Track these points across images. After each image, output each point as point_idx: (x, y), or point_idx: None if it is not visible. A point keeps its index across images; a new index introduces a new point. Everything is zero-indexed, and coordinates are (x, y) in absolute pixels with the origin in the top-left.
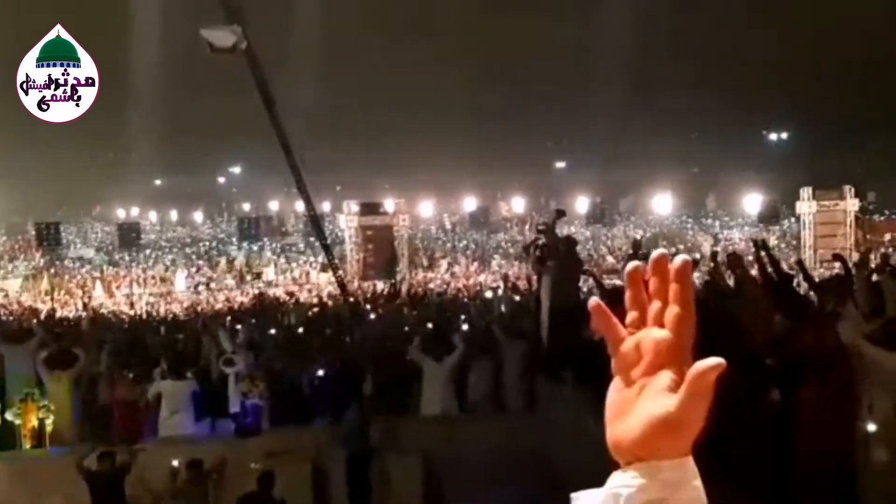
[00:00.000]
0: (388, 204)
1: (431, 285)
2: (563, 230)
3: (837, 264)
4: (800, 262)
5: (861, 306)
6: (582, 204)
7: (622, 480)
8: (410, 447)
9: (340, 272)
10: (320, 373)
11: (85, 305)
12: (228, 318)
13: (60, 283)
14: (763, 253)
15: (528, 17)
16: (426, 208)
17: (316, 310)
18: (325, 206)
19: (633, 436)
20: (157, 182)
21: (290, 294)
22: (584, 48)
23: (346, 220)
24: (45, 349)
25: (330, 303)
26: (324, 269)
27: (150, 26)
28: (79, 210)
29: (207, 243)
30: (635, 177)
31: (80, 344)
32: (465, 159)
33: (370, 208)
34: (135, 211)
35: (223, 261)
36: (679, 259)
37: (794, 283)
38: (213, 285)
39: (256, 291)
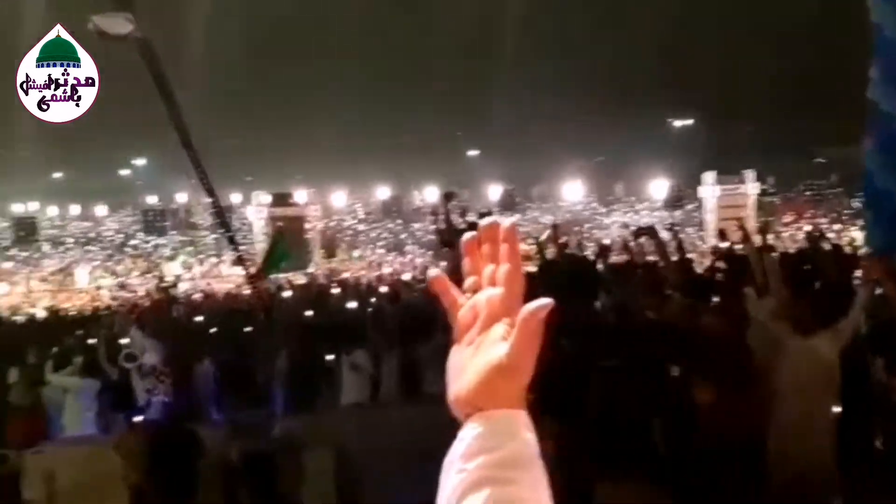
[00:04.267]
0: (300, 194)
1: (346, 275)
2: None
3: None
4: (722, 234)
5: (758, 284)
6: (495, 191)
7: (462, 434)
8: (323, 440)
9: (249, 264)
10: (224, 367)
11: None
12: (135, 314)
13: None
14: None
15: (433, 7)
16: (338, 198)
17: (225, 303)
18: (235, 198)
19: (469, 387)
20: (57, 176)
21: (172, 284)
22: (491, 37)
23: (256, 212)
24: None
25: (239, 296)
26: (236, 262)
27: (38, 14)
28: None
29: (112, 238)
30: (547, 164)
31: None
32: (378, 148)
33: (281, 199)
34: (33, 206)
35: (128, 256)
36: (506, 222)
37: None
38: (117, 280)
39: (164, 286)
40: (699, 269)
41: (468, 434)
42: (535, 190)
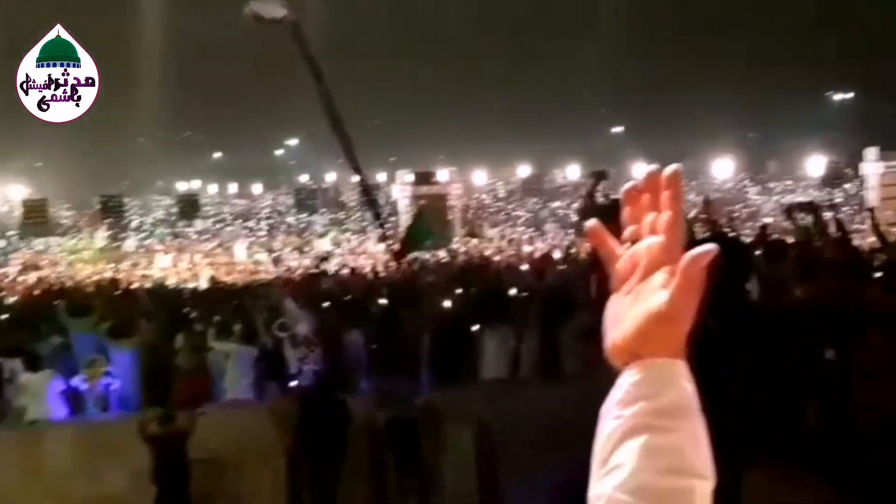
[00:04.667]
0: (442, 173)
1: (487, 253)
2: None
3: None
4: (871, 211)
5: None
6: (639, 170)
7: (620, 381)
8: (464, 413)
9: (393, 241)
10: (371, 339)
11: (146, 276)
12: (288, 287)
13: (125, 255)
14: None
15: None
16: (479, 177)
17: (372, 278)
18: (380, 177)
19: (627, 334)
20: (217, 156)
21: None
22: (636, 10)
23: (400, 191)
24: (108, 319)
25: (385, 272)
26: (381, 239)
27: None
28: (141, 184)
29: (266, 215)
30: (694, 141)
31: (142, 313)
32: (520, 127)
33: (423, 178)
34: (196, 184)
35: (281, 232)
36: (669, 168)
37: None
38: (272, 255)
39: (315, 261)
40: (859, 248)
41: (626, 381)
42: (682, 167)
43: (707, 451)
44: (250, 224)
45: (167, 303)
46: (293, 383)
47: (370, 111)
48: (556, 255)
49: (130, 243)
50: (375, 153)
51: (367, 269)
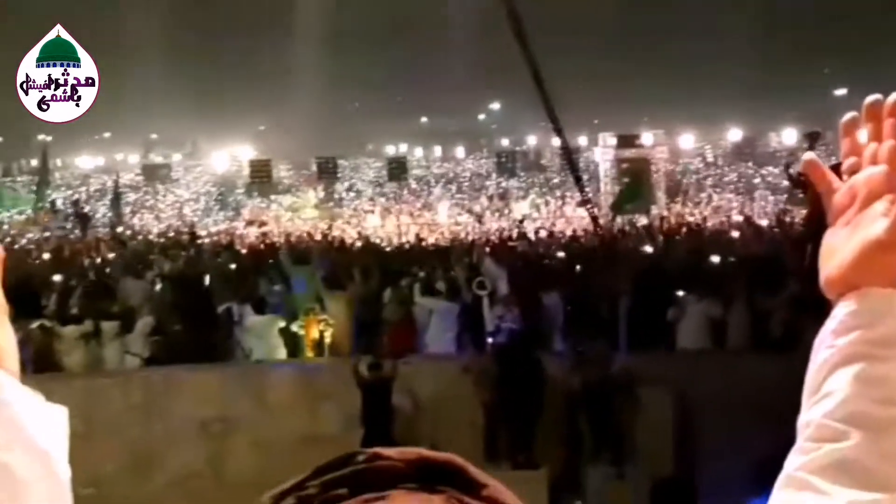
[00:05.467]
0: (646, 137)
1: (691, 219)
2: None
3: None
4: None
5: None
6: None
7: (835, 312)
8: (662, 380)
9: (593, 206)
10: (570, 302)
11: (359, 233)
12: (489, 247)
13: (339, 213)
14: None
15: None
16: (686, 140)
17: (571, 241)
18: (582, 141)
19: (843, 264)
20: (423, 120)
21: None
22: None
23: (602, 154)
24: (324, 270)
25: (583, 236)
26: (581, 203)
27: None
28: (353, 147)
29: (468, 178)
30: None
31: (355, 266)
32: (731, 88)
33: (626, 141)
34: (403, 148)
35: (483, 195)
36: (893, 96)
37: None
38: (473, 217)
39: (518, 223)
40: None
41: (841, 312)
42: None
43: None
44: (453, 186)
45: (377, 259)
46: (490, 340)
47: (572, 73)
48: (768, 222)
49: (344, 202)
50: (578, 115)
51: (566, 233)
